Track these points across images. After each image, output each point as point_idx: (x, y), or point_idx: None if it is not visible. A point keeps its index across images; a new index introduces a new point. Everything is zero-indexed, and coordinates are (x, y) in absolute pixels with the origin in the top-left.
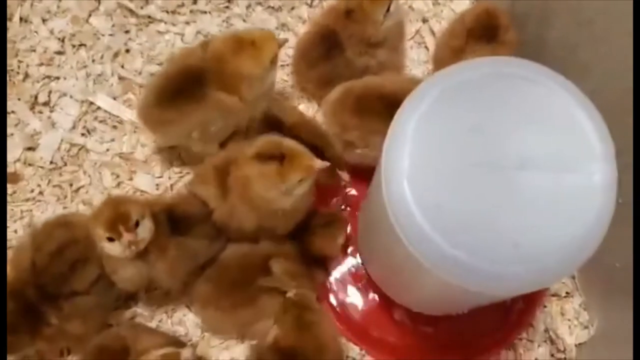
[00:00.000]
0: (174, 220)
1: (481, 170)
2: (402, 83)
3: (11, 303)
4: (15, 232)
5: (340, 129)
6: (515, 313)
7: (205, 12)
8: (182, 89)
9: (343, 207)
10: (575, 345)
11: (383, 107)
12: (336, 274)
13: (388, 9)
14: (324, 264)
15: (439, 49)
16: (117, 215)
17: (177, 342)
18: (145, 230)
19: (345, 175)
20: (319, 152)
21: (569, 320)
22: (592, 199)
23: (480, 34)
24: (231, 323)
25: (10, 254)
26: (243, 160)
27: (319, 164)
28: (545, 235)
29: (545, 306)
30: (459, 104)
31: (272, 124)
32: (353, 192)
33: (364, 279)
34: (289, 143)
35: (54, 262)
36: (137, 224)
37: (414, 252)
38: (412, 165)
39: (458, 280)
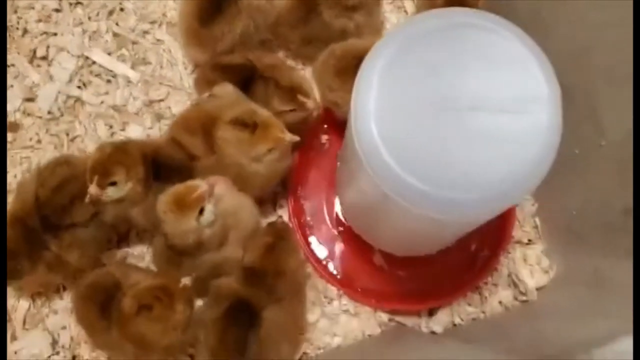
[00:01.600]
0: (156, 164)
1: (437, 110)
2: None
3: (12, 230)
4: (15, 176)
5: (327, 90)
6: (481, 259)
7: None
8: (216, 2)
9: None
10: (536, 289)
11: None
12: (318, 220)
13: None
14: None
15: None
16: (101, 166)
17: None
18: (118, 192)
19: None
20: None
21: (530, 266)
22: (537, 138)
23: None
24: None
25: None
26: (222, 122)
27: (289, 137)
28: (492, 168)
29: (509, 252)
30: (419, 50)
31: None
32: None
33: (344, 226)
34: (264, 113)
35: (56, 196)
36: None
37: (378, 180)
38: (377, 105)
39: (413, 204)
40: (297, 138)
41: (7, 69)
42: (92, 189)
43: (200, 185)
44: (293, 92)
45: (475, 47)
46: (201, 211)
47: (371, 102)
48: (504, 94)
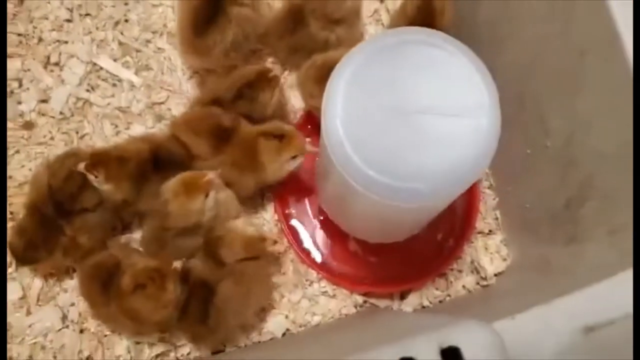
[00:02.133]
0: (156, 158)
1: (393, 114)
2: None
3: (31, 218)
4: (30, 170)
5: (308, 96)
6: (446, 249)
7: None
8: (208, 15)
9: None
10: (495, 274)
11: None
12: (301, 211)
13: None
14: None
15: None
16: (91, 160)
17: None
18: (100, 187)
19: None
20: None
21: (490, 254)
22: (478, 139)
23: (419, 23)
24: None
25: (27, 187)
26: (250, 134)
27: (310, 148)
28: (439, 163)
29: (472, 242)
30: (378, 63)
31: None
32: None
33: (323, 215)
34: (290, 127)
35: (66, 184)
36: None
37: (347, 176)
38: (343, 109)
39: (374, 194)
40: (316, 149)
41: (24, 73)
42: (82, 166)
43: (208, 173)
44: None
45: (425, 61)
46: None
47: (338, 106)
48: (450, 101)
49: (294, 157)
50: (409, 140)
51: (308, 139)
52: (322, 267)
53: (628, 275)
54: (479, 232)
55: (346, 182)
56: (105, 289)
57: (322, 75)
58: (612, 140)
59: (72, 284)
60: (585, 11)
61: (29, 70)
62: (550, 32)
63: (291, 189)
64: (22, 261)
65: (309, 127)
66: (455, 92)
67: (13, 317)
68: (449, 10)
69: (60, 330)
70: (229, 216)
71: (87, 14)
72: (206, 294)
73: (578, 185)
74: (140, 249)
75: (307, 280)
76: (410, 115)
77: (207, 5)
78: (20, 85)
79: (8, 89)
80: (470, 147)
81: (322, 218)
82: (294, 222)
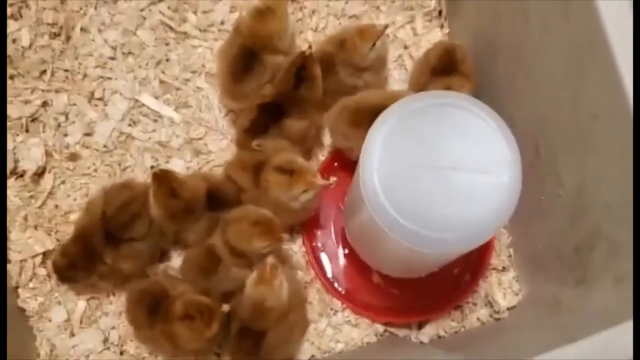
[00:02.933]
0: (211, 196)
1: (423, 169)
2: (384, 96)
3: (74, 246)
4: (75, 200)
5: (342, 137)
6: (463, 282)
7: (230, 32)
8: (245, 64)
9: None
10: (507, 308)
11: (370, 117)
12: (327, 244)
13: (373, 45)
14: None
15: (411, 82)
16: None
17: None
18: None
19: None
20: None
21: (504, 289)
22: (500, 193)
23: (441, 70)
24: None
25: (73, 215)
26: (269, 167)
27: (321, 182)
28: (467, 214)
29: (487, 277)
30: (411, 123)
31: None
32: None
33: (348, 248)
34: (302, 161)
35: (120, 213)
36: None
37: (379, 222)
38: (379, 164)
39: (407, 241)
40: (328, 182)
41: (70, 107)
42: None
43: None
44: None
45: (454, 122)
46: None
47: (375, 160)
48: (475, 158)
49: (304, 191)
50: (437, 194)
51: (333, 179)
52: (346, 298)
53: (628, 325)
54: (493, 268)
55: (377, 225)
56: (150, 313)
57: (356, 119)
58: (617, 195)
59: (112, 308)
60: (597, 78)
61: (74, 104)
62: (564, 94)
63: (318, 222)
64: (61, 279)
65: (336, 164)
66: (480, 150)
67: (58, 339)
68: (469, 59)
69: (101, 352)
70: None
71: (130, 53)
72: (256, 337)
73: (587, 233)
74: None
75: (331, 310)
76: (439, 170)
77: (244, 55)
78: (67, 118)
79: (55, 122)
80: (493, 201)
81: (347, 251)
82: (321, 254)
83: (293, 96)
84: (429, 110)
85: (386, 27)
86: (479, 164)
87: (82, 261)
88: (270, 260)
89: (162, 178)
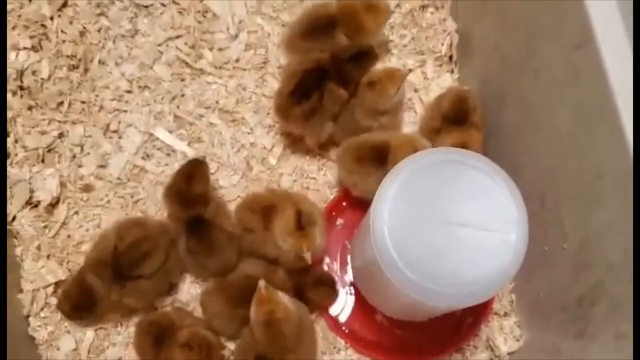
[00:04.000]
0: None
1: (432, 224)
2: (388, 135)
3: (77, 287)
4: (87, 230)
5: (347, 173)
6: (465, 325)
7: (245, 69)
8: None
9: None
10: (508, 353)
11: (374, 155)
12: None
13: (398, 89)
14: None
15: (422, 125)
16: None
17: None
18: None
19: None
20: None
21: (505, 334)
22: (507, 251)
23: (453, 118)
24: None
25: (85, 246)
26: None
27: (319, 241)
28: (474, 270)
29: (489, 321)
30: (422, 179)
31: None
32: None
33: (355, 289)
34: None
35: (131, 250)
36: None
37: (388, 275)
38: (390, 216)
39: (414, 294)
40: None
41: (86, 139)
42: None
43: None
44: None
45: (466, 179)
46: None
47: (385, 213)
48: (485, 215)
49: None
50: (446, 248)
51: (340, 222)
52: (350, 336)
53: None
54: (495, 313)
55: (384, 273)
56: (157, 344)
57: (361, 155)
58: (620, 254)
59: (120, 339)
60: (605, 139)
61: (90, 136)
62: (571, 149)
63: (324, 261)
64: (69, 319)
65: (344, 204)
66: (489, 208)
67: None
68: (479, 107)
69: None
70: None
71: (146, 87)
72: None
73: (590, 287)
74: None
75: (335, 348)
76: (449, 225)
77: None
78: (82, 150)
79: (70, 153)
80: (500, 258)
81: (352, 290)
82: None
83: (343, 67)
84: (440, 166)
85: (410, 71)
86: (487, 222)
87: (84, 303)
88: (261, 282)
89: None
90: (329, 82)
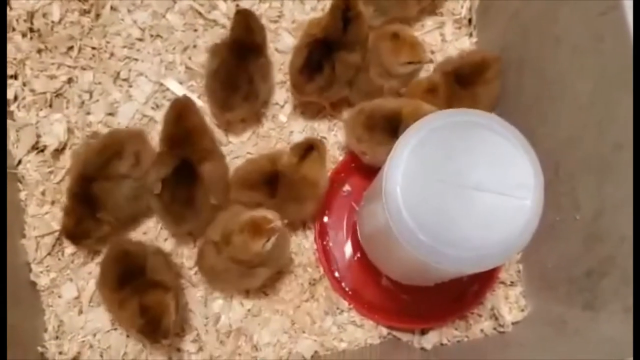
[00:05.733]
0: None
1: (446, 186)
2: (400, 104)
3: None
4: None
5: (356, 140)
6: (470, 293)
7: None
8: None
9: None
10: (512, 323)
11: (385, 124)
12: (338, 242)
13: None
14: None
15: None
16: None
17: None
18: None
19: None
20: None
21: (510, 303)
22: (522, 217)
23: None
24: None
25: None
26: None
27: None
28: (487, 235)
29: (494, 290)
30: (437, 141)
31: None
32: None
33: (360, 251)
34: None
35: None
36: None
37: (400, 238)
38: (403, 177)
39: (423, 256)
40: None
41: (95, 86)
42: None
43: (274, 219)
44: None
45: (482, 142)
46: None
47: (399, 175)
48: (500, 179)
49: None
50: (458, 212)
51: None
52: (353, 298)
53: None
54: (501, 282)
55: (394, 235)
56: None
57: (372, 123)
58: (633, 227)
59: None
60: (626, 108)
61: (99, 83)
62: (590, 119)
63: (331, 221)
64: (74, 240)
65: (353, 165)
66: (505, 172)
67: (66, 316)
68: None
69: (108, 331)
70: (281, 257)
71: (158, 36)
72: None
73: (601, 259)
74: None
75: (337, 309)
76: (462, 189)
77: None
78: (91, 97)
79: (79, 99)
80: (514, 225)
81: (357, 252)
82: (331, 252)
83: (341, 35)
84: (456, 127)
85: None
86: (502, 186)
87: (84, 211)
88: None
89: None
90: (337, 51)
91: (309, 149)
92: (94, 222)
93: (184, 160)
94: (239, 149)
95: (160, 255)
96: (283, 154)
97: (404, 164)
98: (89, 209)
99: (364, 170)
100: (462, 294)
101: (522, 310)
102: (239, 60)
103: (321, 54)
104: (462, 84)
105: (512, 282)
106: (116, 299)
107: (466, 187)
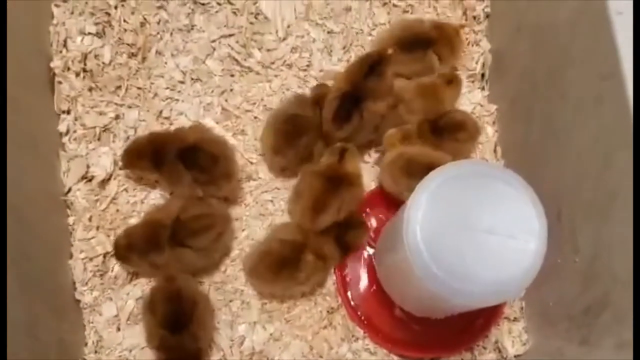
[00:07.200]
0: None
1: (461, 228)
2: (436, 157)
3: (140, 230)
4: (134, 205)
5: (392, 182)
6: (477, 326)
7: (289, 71)
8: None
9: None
10: (514, 356)
11: (424, 172)
12: (355, 273)
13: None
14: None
15: None
16: None
17: None
18: None
19: None
20: None
21: (513, 337)
22: (526, 259)
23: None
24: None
25: (132, 220)
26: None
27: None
28: (495, 273)
29: (498, 325)
30: (452, 188)
31: None
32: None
33: (376, 284)
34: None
35: (193, 222)
36: None
37: (417, 271)
38: (423, 218)
39: (439, 290)
40: None
41: (139, 123)
42: None
43: None
44: None
45: (490, 190)
46: None
47: (420, 215)
48: (508, 224)
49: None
50: (470, 251)
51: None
52: (368, 327)
53: None
54: (505, 317)
55: (410, 269)
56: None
57: (409, 170)
58: (626, 267)
59: None
60: (621, 164)
61: (144, 120)
62: (589, 170)
63: (350, 256)
64: (118, 257)
65: (380, 198)
66: (512, 218)
67: (105, 332)
68: None
69: (143, 348)
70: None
71: (198, 79)
72: None
73: (597, 298)
74: None
75: (353, 336)
76: (474, 232)
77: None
78: (135, 132)
79: (125, 134)
80: (519, 265)
81: (373, 284)
82: (348, 283)
83: (364, 86)
84: (470, 176)
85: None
86: (510, 230)
87: (141, 245)
88: None
89: None
90: (364, 102)
91: (343, 150)
92: (140, 256)
93: None
94: (267, 185)
95: (208, 305)
96: None
97: (424, 207)
98: (146, 247)
99: (387, 205)
100: (469, 326)
101: (524, 344)
102: None
103: (350, 105)
104: (437, 135)
105: (515, 318)
106: (157, 335)
107: (478, 230)
